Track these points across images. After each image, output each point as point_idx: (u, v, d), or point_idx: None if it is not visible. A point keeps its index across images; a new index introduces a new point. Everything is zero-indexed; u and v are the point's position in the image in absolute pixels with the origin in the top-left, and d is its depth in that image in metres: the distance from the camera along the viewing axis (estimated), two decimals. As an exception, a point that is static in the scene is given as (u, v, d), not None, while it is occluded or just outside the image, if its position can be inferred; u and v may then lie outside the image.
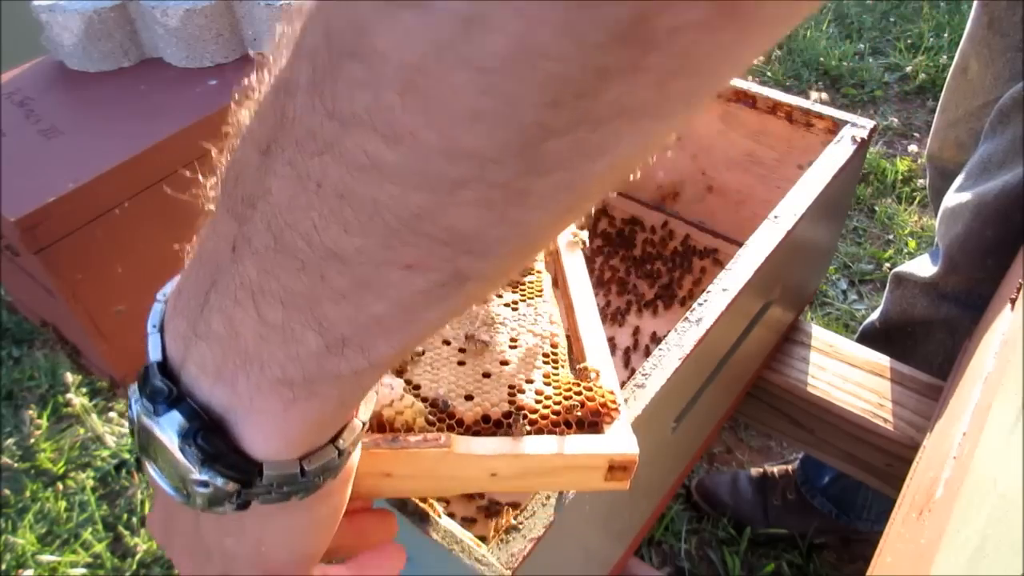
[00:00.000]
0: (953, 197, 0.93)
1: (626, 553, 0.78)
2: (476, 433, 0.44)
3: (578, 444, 0.44)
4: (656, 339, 0.98)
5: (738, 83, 0.94)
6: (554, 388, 0.48)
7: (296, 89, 0.22)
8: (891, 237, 1.84)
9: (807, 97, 1.44)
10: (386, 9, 0.19)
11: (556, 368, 0.49)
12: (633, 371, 0.91)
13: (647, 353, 0.95)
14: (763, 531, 1.27)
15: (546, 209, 0.23)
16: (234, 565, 0.32)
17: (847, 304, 1.68)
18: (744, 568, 1.26)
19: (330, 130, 0.21)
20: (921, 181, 1.97)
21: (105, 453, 1.46)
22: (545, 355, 0.50)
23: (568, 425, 0.46)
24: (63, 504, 1.38)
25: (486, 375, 0.48)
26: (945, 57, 2.35)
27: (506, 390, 0.47)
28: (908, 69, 2.35)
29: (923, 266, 1.00)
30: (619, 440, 0.45)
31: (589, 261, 1.08)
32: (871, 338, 1.10)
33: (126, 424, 1.40)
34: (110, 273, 0.90)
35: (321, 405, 0.28)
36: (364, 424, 0.32)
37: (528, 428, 0.45)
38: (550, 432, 0.45)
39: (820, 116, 0.88)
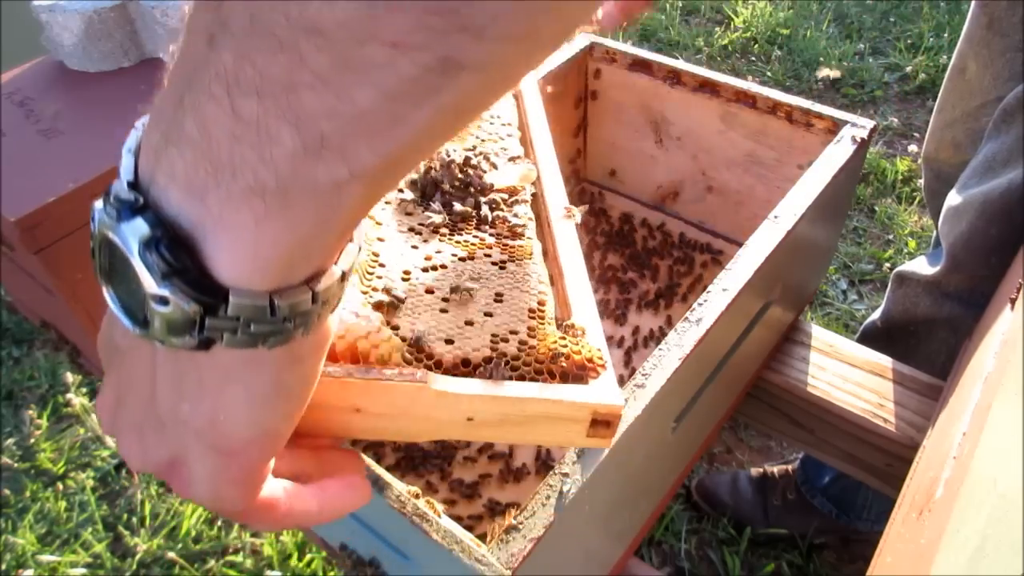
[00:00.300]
0: (956, 196, 0.93)
1: (626, 553, 0.78)
2: (455, 376, 0.43)
3: (560, 392, 0.43)
4: (655, 337, 0.98)
5: (738, 83, 0.94)
6: (539, 340, 0.47)
7: None
8: (891, 237, 1.84)
9: (810, 93, 1.44)
10: None
11: (542, 323, 0.48)
12: (633, 370, 0.91)
13: (646, 349, 0.95)
14: (763, 531, 1.27)
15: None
16: (186, 442, 0.29)
17: (847, 304, 1.69)
18: (744, 568, 1.26)
19: None
20: (921, 181, 1.97)
21: (105, 453, 1.46)
22: (531, 311, 0.49)
23: (551, 375, 0.45)
24: (63, 504, 1.38)
25: (469, 323, 0.47)
26: (945, 57, 2.35)
27: (488, 338, 0.46)
28: (908, 69, 2.35)
29: (925, 265, 1.00)
30: (604, 391, 0.43)
31: (588, 258, 1.08)
32: (872, 338, 1.10)
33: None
34: (110, 273, 0.90)
35: (295, 223, 0.25)
36: (344, 275, 0.29)
37: (509, 373, 0.44)
38: (532, 380, 0.44)
39: (820, 116, 0.88)
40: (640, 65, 1.01)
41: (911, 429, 0.88)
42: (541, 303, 0.50)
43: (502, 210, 0.57)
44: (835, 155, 0.82)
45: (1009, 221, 0.87)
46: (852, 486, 1.17)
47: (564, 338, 0.47)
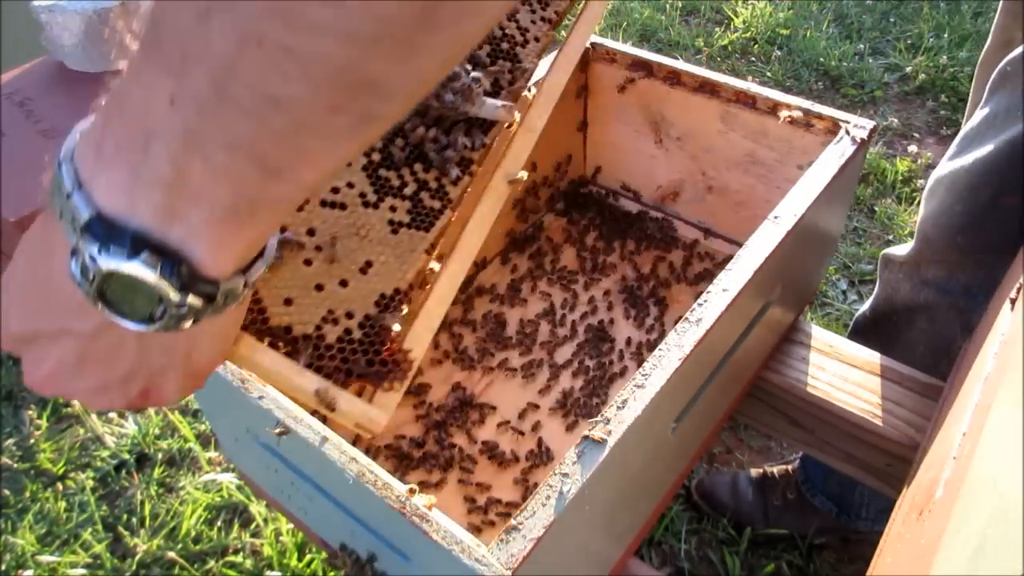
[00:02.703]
0: (935, 172, 0.94)
1: (626, 553, 0.78)
2: (273, 336, 0.47)
3: (335, 399, 0.47)
4: (652, 344, 0.98)
5: (738, 83, 0.94)
6: (363, 333, 0.50)
7: None
8: (891, 237, 1.84)
9: (810, 94, 1.43)
10: None
11: (381, 312, 0.51)
12: (641, 362, 0.91)
13: (640, 354, 0.95)
14: (763, 531, 1.27)
15: (437, 59, 0.30)
16: (159, 380, 0.39)
17: (847, 304, 1.68)
18: (744, 568, 1.26)
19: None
20: (921, 181, 1.97)
21: (105, 453, 1.46)
22: (382, 297, 0.51)
23: (348, 374, 0.48)
24: (63, 504, 1.38)
25: (319, 287, 0.49)
26: (945, 57, 2.35)
27: (323, 312, 0.49)
28: (908, 69, 2.35)
29: (905, 248, 1.01)
30: (370, 412, 0.48)
31: (592, 253, 1.08)
32: (861, 329, 1.11)
33: (126, 424, 1.40)
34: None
35: (261, 227, 0.34)
36: (271, 259, 0.39)
37: (312, 362, 0.47)
38: (328, 374, 0.47)
39: (820, 116, 0.88)
40: (640, 65, 1.02)
41: (911, 429, 0.88)
42: (399, 291, 0.52)
43: (445, 157, 0.56)
44: (835, 155, 0.82)
45: (975, 198, 0.88)
46: (850, 483, 1.17)
47: (383, 341, 0.50)
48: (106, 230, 0.32)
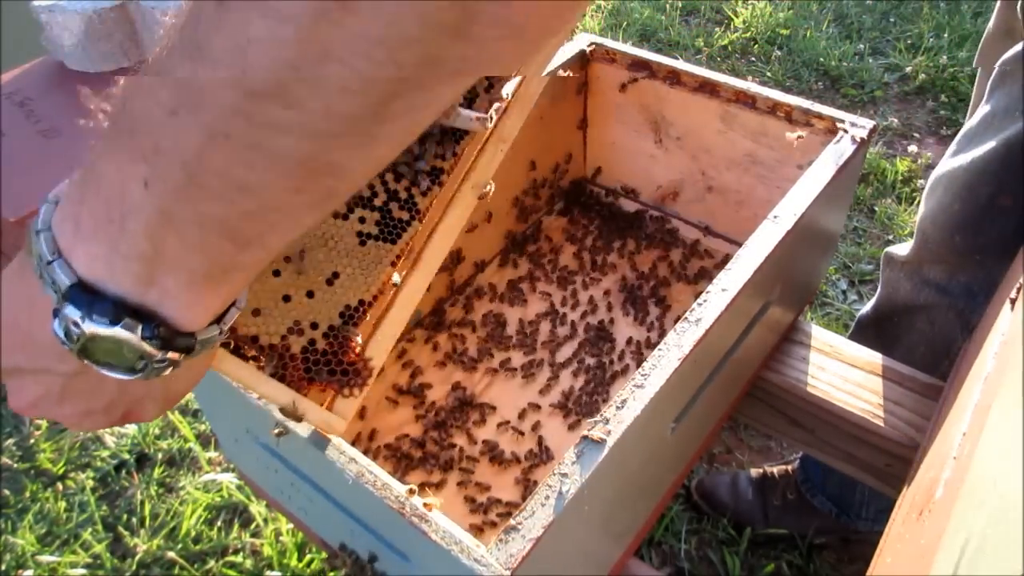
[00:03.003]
0: (935, 171, 0.94)
1: (626, 553, 0.78)
2: (240, 344, 0.49)
3: (298, 410, 0.50)
4: (651, 344, 0.98)
5: (738, 83, 0.94)
6: (327, 343, 0.51)
7: (206, 65, 0.29)
8: (891, 237, 1.84)
9: (810, 94, 1.41)
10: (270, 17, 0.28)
11: (346, 323, 0.52)
12: (641, 360, 0.90)
13: (640, 354, 0.95)
14: (763, 531, 1.27)
15: (391, 145, 0.34)
16: (139, 406, 0.43)
17: (847, 304, 1.68)
18: (744, 568, 1.26)
19: (237, 100, 0.29)
20: (921, 181, 1.97)
21: (105, 453, 1.46)
22: (348, 308, 0.53)
23: (311, 381, 0.50)
24: (63, 504, 1.38)
25: (286, 298, 0.51)
26: (945, 58, 2.35)
27: (289, 323, 0.50)
28: (908, 69, 2.35)
29: (906, 247, 1.01)
30: (330, 420, 0.51)
31: (592, 253, 1.08)
32: (864, 329, 1.11)
33: (126, 424, 1.40)
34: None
35: (233, 287, 0.37)
36: (241, 307, 0.43)
37: (277, 371, 0.49)
38: (291, 381, 0.50)
39: (820, 116, 0.88)
40: (640, 65, 1.02)
41: (911, 429, 0.88)
42: (363, 302, 0.53)
43: (417, 168, 0.56)
44: (835, 155, 0.82)
45: (972, 197, 0.88)
46: (850, 483, 1.17)
47: (347, 348, 0.52)
48: (88, 298, 0.35)
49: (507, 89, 0.60)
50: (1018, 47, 0.83)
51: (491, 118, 0.58)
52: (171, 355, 0.37)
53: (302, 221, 0.35)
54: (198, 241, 0.33)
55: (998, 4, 0.97)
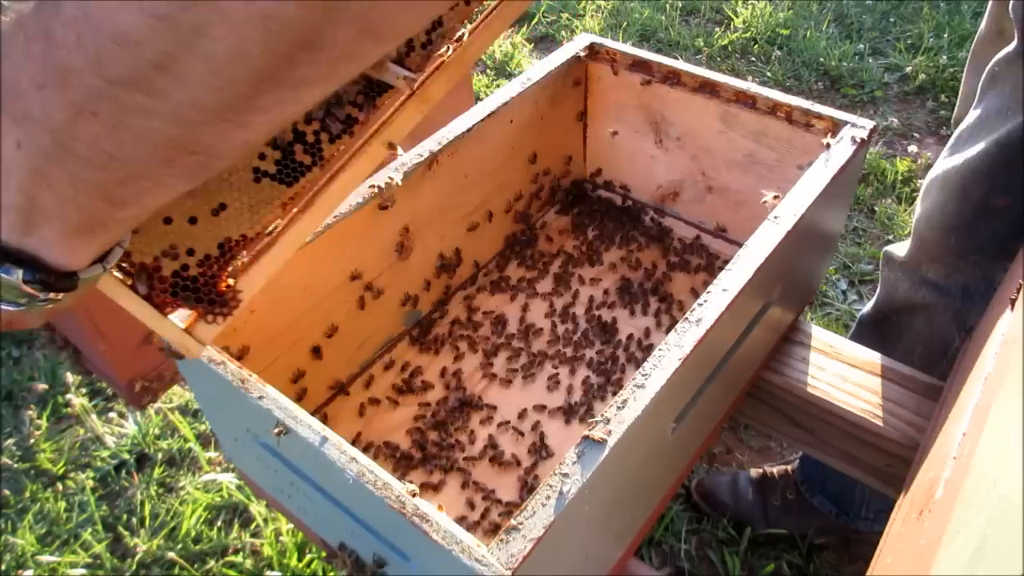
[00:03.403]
0: (930, 172, 0.94)
1: (626, 553, 0.78)
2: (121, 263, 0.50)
3: (157, 324, 0.51)
4: (650, 339, 0.98)
5: (738, 83, 0.94)
6: (200, 270, 0.52)
7: (70, 58, 0.30)
8: (891, 237, 1.84)
9: (810, 94, 1.41)
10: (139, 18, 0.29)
11: (223, 255, 0.53)
12: (644, 358, 0.90)
13: (639, 354, 0.95)
14: (763, 531, 1.27)
15: (262, 131, 0.36)
16: (21, 319, 0.43)
17: (847, 304, 1.68)
18: (744, 568, 1.26)
19: (100, 85, 0.30)
20: (921, 181, 1.97)
21: (105, 453, 1.46)
22: (228, 239, 0.53)
23: (175, 303, 0.51)
24: (63, 504, 1.38)
25: (167, 220, 0.51)
26: (945, 58, 2.35)
27: (165, 246, 0.51)
28: (908, 69, 2.35)
29: (904, 247, 1.02)
30: (187, 341, 0.52)
31: (592, 252, 1.08)
32: (864, 329, 1.12)
33: (126, 424, 1.40)
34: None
35: (112, 235, 0.39)
36: (125, 247, 0.45)
37: (145, 291, 0.50)
38: (156, 300, 0.51)
39: (820, 116, 0.88)
40: (640, 65, 1.02)
41: (911, 429, 0.88)
42: (245, 237, 0.53)
43: (330, 113, 0.56)
44: (835, 155, 0.82)
45: (965, 197, 0.88)
46: (850, 483, 1.17)
47: (217, 273, 0.53)
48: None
49: (445, 48, 0.58)
50: (1008, 48, 0.84)
51: (418, 79, 0.58)
52: (53, 295, 0.39)
53: (177, 188, 0.37)
54: (72, 199, 0.35)
55: (989, 5, 0.97)
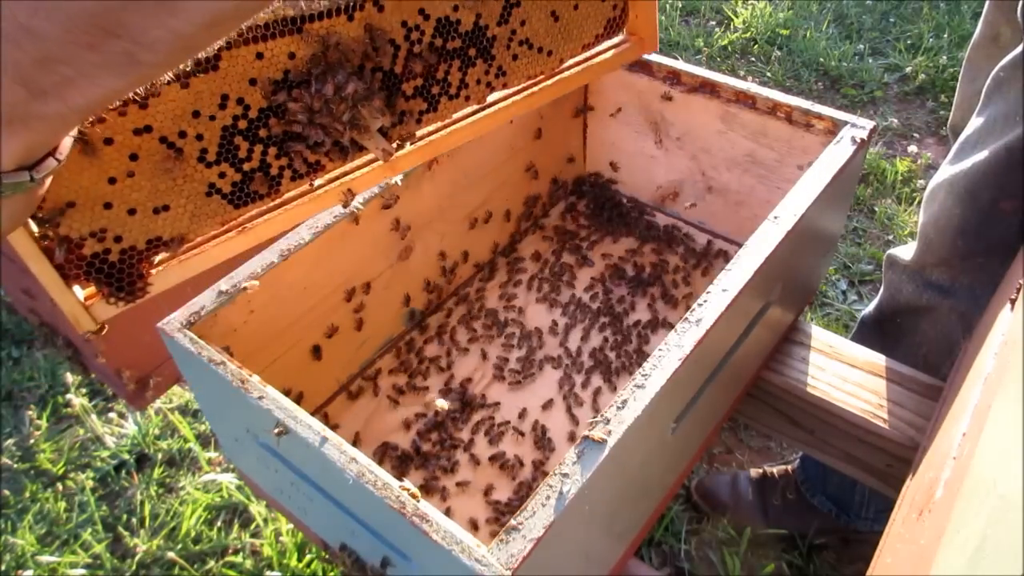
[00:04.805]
0: (935, 177, 0.95)
1: (626, 553, 0.78)
2: (42, 223, 0.51)
3: (60, 291, 0.52)
4: (648, 328, 0.98)
5: (738, 84, 0.94)
6: (119, 258, 0.54)
7: None
8: (891, 237, 1.84)
9: (810, 94, 1.41)
10: None
11: (147, 251, 0.55)
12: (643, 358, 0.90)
13: (640, 349, 0.95)
14: (763, 531, 1.27)
15: (190, 24, 0.34)
16: None
17: (847, 304, 1.68)
18: (744, 568, 1.26)
19: None
20: (921, 181, 1.97)
21: (105, 454, 1.46)
22: (158, 239, 0.55)
23: (84, 279, 0.53)
24: (63, 505, 1.38)
25: (107, 205, 0.52)
26: (945, 58, 2.35)
27: (96, 228, 0.52)
28: (908, 70, 2.35)
29: (909, 250, 1.02)
30: (80, 317, 0.53)
31: (592, 252, 1.08)
32: (866, 329, 1.12)
33: (126, 424, 1.40)
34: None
35: (36, 136, 0.38)
36: (61, 161, 0.44)
37: (61, 263, 0.52)
38: (67, 270, 0.52)
39: (820, 117, 0.88)
40: (640, 65, 1.02)
41: (911, 429, 0.88)
42: (175, 240, 0.55)
43: (299, 151, 0.57)
44: (835, 156, 0.82)
45: (973, 201, 0.89)
46: (850, 483, 1.17)
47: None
48: None
49: (422, 132, 0.61)
50: (1015, 52, 0.83)
51: (395, 154, 0.59)
52: None
53: (101, 82, 0.35)
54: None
55: (985, 10, 0.98)
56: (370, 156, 0.61)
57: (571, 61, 0.70)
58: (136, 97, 0.49)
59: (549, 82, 0.70)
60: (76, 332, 1.05)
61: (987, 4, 0.97)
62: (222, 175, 0.54)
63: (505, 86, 0.66)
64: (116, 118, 0.49)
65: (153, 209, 0.53)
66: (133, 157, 0.51)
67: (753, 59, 2.48)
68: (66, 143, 0.44)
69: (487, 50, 0.62)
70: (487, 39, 0.62)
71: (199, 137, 0.52)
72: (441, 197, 0.94)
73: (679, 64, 0.99)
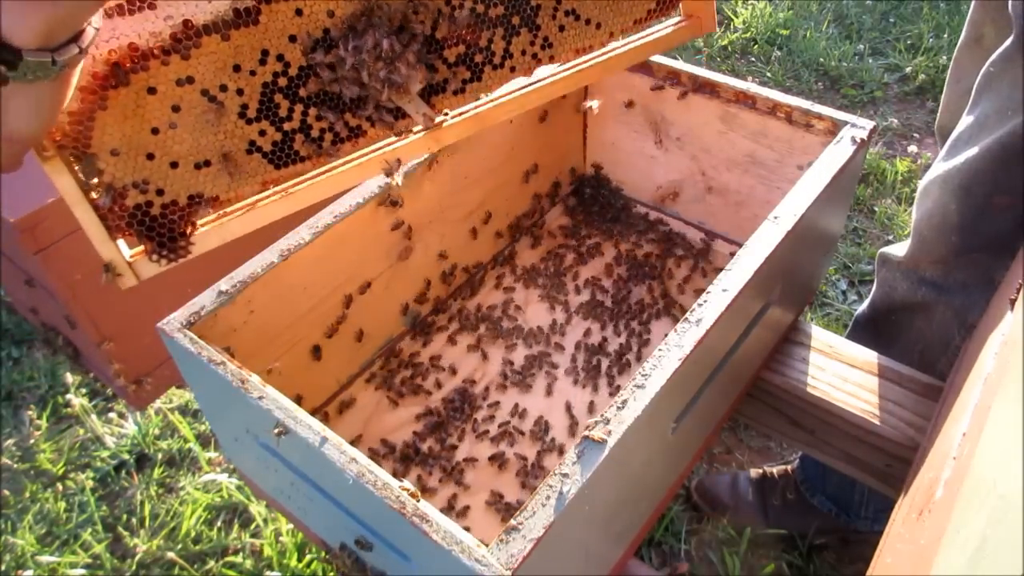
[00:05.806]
0: (928, 174, 0.95)
1: (626, 554, 0.78)
2: (86, 172, 0.52)
3: (104, 241, 0.53)
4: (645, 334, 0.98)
5: (738, 84, 0.94)
6: (161, 212, 0.55)
7: None
8: (891, 237, 1.84)
9: (810, 94, 1.41)
10: None
11: (189, 207, 0.56)
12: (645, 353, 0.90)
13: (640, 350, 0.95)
14: (763, 531, 1.27)
15: None
16: None
17: (847, 304, 1.68)
18: (744, 568, 1.26)
19: None
20: (920, 182, 1.97)
21: (105, 454, 1.46)
22: (200, 195, 0.56)
23: (127, 232, 0.54)
24: (63, 505, 1.38)
25: (150, 156, 0.53)
26: (945, 58, 2.35)
27: (138, 178, 0.53)
28: (908, 70, 2.35)
29: (903, 247, 1.02)
30: (124, 272, 0.54)
31: (592, 251, 1.08)
32: (861, 327, 1.12)
33: (126, 424, 1.40)
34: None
35: (58, 11, 0.39)
36: (96, 30, 0.44)
37: (103, 210, 0.53)
38: (111, 222, 0.53)
39: (820, 116, 0.88)
40: (640, 65, 1.02)
41: (911, 429, 0.88)
42: (217, 199, 0.55)
43: (343, 117, 0.57)
44: (835, 156, 0.82)
45: (967, 197, 0.89)
46: (850, 483, 1.17)
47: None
48: None
49: (468, 105, 0.61)
50: (1005, 45, 0.84)
51: (437, 119, 0.59)
52: None
53: None
54: None
55: (971, 10, 0.98)
56: (413, 127, 0.60)
57: (623, 41, 0.68)
58: (178, 46, 0.50)
59: (601, 58, 0.67)
60: (75, 332, 1.04)
61: (972, 4, 0.97)
62: (262, 132, 0.55)
63: (552, 59, 0.64)
64: (159, 67, 0.50)
65: (195, 164, 0.53)
66: (175, 108, 0.52)
67: (753, 59, 2.48)
68: (89, 32, 0.43)
69: (531, 19, 0.61)
70: (531, 7, 0.61)
71: (240, 92, 0.53)
72: (441, 197, 0.94)
73: (679, 64, 0.99)
